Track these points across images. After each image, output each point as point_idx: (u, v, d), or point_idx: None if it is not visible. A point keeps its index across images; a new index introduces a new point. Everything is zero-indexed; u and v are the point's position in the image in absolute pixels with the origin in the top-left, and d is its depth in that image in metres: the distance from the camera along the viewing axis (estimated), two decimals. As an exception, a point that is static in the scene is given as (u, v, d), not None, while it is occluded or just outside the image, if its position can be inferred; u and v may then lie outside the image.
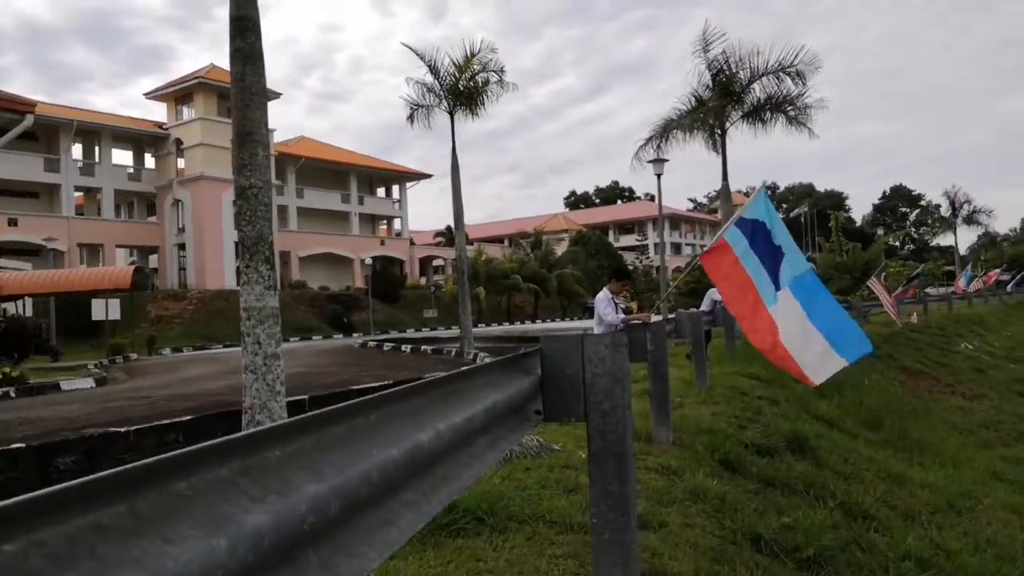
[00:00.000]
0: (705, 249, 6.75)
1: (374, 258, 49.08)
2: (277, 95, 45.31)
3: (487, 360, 11.81)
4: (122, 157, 44.45)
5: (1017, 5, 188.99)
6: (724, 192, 18.72)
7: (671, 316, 10.68)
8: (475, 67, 17.36)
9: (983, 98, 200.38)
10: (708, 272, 6.75)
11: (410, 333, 38.53)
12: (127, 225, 43.14)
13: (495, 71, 17.51)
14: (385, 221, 59.56)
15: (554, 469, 5.27)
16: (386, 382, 9.41)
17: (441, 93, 17.72)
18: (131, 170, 43.91)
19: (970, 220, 47.98)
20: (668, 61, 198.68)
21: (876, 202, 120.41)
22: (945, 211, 51.22)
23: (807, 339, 6.33)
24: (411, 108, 18.25)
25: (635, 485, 2.99)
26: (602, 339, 2.99)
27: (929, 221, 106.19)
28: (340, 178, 53.56)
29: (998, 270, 43.82)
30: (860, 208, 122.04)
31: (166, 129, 42.92)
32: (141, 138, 43.11)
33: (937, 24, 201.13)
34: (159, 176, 43.09)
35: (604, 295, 7.07)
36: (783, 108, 17.53)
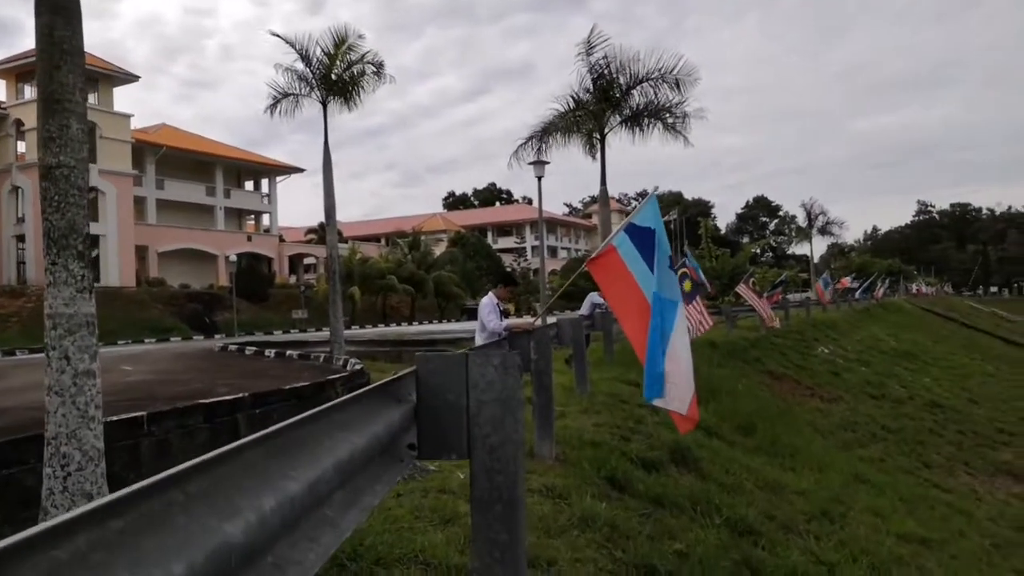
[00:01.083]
0: (592, 254, 6.39)
1: (239, 255, 46.61)
2: (135, 78, 42.18)
3: (356, 366, 11.08)
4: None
5: (866, 32, 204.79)
6: (602, 197, 18.75)
7: (552, 321, 10.36)
8: (351, 57, 16.49)
9: (837, 117, 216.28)
10: (595, 278, 6.41)
11: (277, 335, 36.75)
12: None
13: (372, 63, 16.74)
14: (253, 216, 56.84)
15: (429, 494, 4.73)
16: (242, 394, 8.52)
17: (313, 82, 16.72)
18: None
19: (824, 231, 51.32)
20: (547, 67, 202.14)
21: (739, 211, 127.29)
22: (802, 222, 54.46)
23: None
24: (275, 97, 17.13)
25: (525, 534, 2.50)
26: (490, 358, 2.47)
27: (787, 230, 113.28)
28: (205, 170, 50.58)
29: (848, 278, 47.00)
30: (724, 217, 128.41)
31: (4, 108, 39.00)
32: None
33: (798, 49, 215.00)
34: (-5, 160, 39.13)
35: (489, 300, 6.58)
36: (661, 115, 17.75)
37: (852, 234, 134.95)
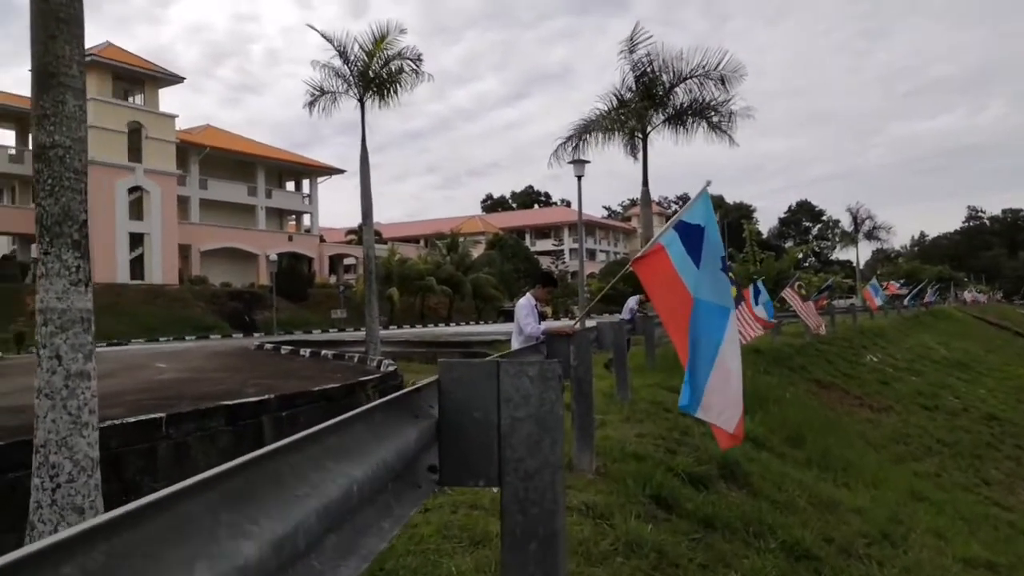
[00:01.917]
0: (638, 253, 5.97)
1: (280, 255, 46.95)
2: (180, 79, 42.72)
3: (389, 367, 10.76)
4: (4, 137, 41.10)
5: (910, 33, 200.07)
6: (644, 197, 18.24)
7: (591, 325, 9.94)
8: (387, 52, 16.24)
9: (880, 122, 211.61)
10: (641, 279, 5.98)
11: (316, 334, 36.84)
12: (6, 210, 39.70)
13: (410, 59, 16.46)
14: (294, 217, 57.26)
15: (459, 510, 4.36)
16: (268, 396, 8.21)
17: (350, 79, 16.52)
18: (12, 151, 40.50)
19: (871, 236, 49.81)
20: (586, 71, 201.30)
21: (782, 216, 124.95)
22: (847, 226, 53.07)
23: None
24: (312, 94, 16.95)
25: (567, 577, 2.11)
26: (526, 367, 2.08)
27: (830, 236, 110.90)
28: (247, 170, 51.08)
29: (896, 283, 45.56)
30: (766, 221, 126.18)
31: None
32: (25, 117, 39.77)
33: (840, 51, 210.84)
34: (45, 159, 39.86)
35: (527, 301, 6.18)
36: (706, 114, 17.19)
37: (899, 240, 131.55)
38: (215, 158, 47.84)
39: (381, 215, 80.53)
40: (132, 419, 6.37)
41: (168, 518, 0.92)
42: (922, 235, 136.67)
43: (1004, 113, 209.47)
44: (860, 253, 55.54)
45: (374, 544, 1.58)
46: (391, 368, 12.24)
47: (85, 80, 4.12)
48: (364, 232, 16.92)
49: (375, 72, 16.38)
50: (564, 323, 13.18)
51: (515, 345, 6.04)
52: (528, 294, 6.29)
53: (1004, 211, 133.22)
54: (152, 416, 6.55)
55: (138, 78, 40.67)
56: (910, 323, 39.97)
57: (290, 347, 17.63)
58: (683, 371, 10.21)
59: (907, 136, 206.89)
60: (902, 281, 52.65)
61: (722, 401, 5.09)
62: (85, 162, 3.97)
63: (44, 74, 3.77)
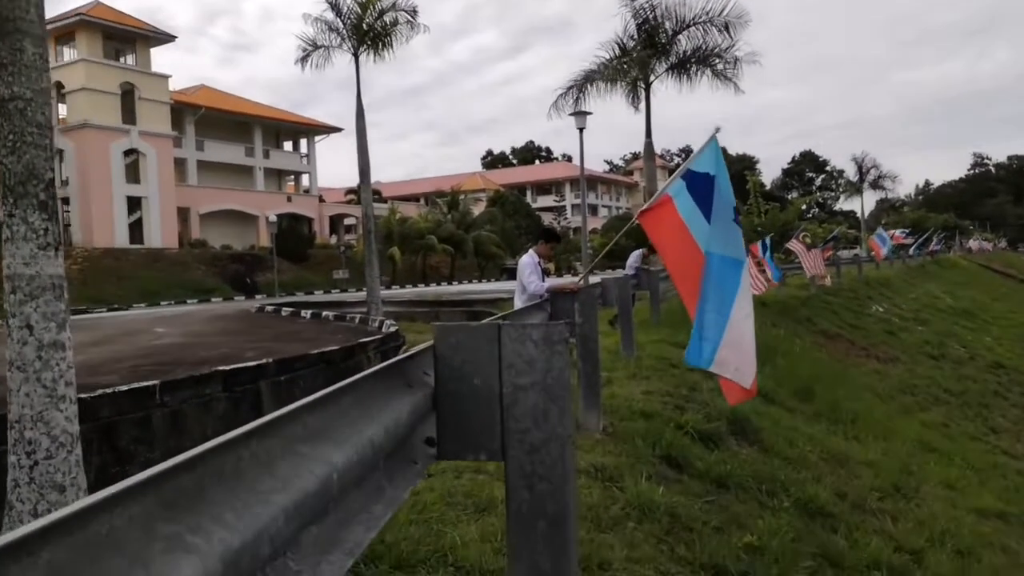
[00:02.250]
0: (645, 205, 5.73)
1: (280, 216, 46.57)
2: (171, 37, 41.88)
3: (391, 328, 10.56)
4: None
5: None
6: (647, 150, 17.88)
7: (595, 281, 9.73)
8: (381, 4, 15.72)
9: (884, 70, 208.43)
10: (648, 232, 5.75)
11: (318, 295, 36.73)
12: None
13: (405, 10, 15.93)
14: (293, 177, 56.69)
15: (463, 475, 4.21)
16: (265, 360, 8.02)
17: (344, 32, 16.04)
18: None
19: (876, 185, 49.30)
20: (585, 23, 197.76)
21: (785, 166, 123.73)
22: (852, 176, 52.45)
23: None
24: (305, 49, 16.46)
25: (576, 558, 1.94)
26: (529, 330, 1.87)
27: (834, 186, 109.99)
28: (244, 130, 50.40)
29: (901, 232, 45.21)
30: (769, 172, 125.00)
31: (45, 71, 39.09)
32: None
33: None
34: (38, 123, 39.31)
35: (530, 259, 5.96)
36: (710, 61, 16.73)
37: (903, 189, 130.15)
38: (211, 119, 47.15)
39: (381, 174, 79.82)
40: (125, 387, 6.21)
41: (82, 540, 0.72)
42: (927, 184, 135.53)
43: (1009, 60, 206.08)
44: (864, 203, 55.11)
45: (361, 535, 1.39)
46: (392, 329, 12.05)
47: (45, 26, 3.83)
48: (362, 190, 16.62)
49: (369, 25, 15.89)
50: (567, 280, 12.99)
51: (518, 304, 5.85)
52: (531, 251, 6.07)
53: (1010, 158, 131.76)
54: (146, 384, 6.36)
55: (129, 37, 39.86)
56: (915, 273, 39.73)
57: (291, 309, 17.46)
58: (690, 326, 10.03)
59: (910, 84, 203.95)
60: (907, 230, 52.24)
61: (737, 356, 4.91)
62: (49, 116, 3.72)
63: (-2, 20, 3.50)
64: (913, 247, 43.40)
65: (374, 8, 15.77)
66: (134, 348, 10.71)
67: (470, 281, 48.51)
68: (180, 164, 44.94)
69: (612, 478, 4.17)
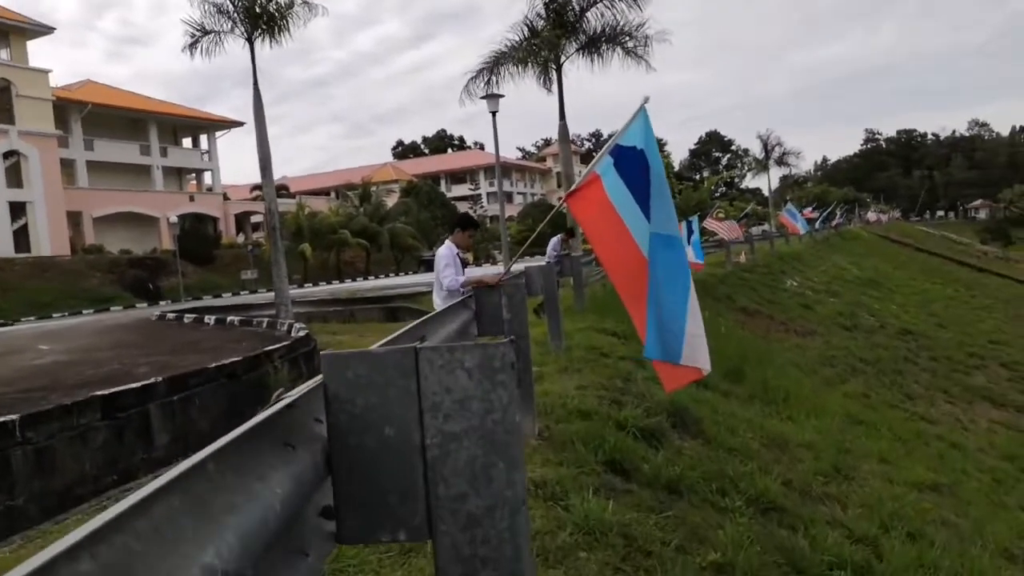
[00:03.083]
0: (573, 187, 5.24)
1: (182, 216, 44.31)
2: (49, 29, 39.04)
3: (301, 332, 9.76)
4: None
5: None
6: (562, 132, 17.48)
7: (517, 270, 9.23)
8: (275, -16, 14.70)
9: (779, 51, 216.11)
10: (575, 215, 5.29)
11: (227, 298, 35.07)
12: None
13: (298, -10, 14.89)
14: (194, 175, 54.11)
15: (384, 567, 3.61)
16: (154, 379, 7.07)
17: (235, 16, 14.91)
18: None
19: (781, 162, 50.71)
20: (491, 8, 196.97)
21: (692, 147, 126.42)
22: (758, 154, 53.79)
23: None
24: (193, 35, 15.21)
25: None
26: (460, 356, 1.31)
27: (739, 165, 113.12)
28: (138, 128, 47.66)
29: (809, 208, 46.69)
30: (676, 154, 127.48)
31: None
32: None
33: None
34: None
35: (447, 250, 5.36)
36: (620, 40, 16.44)
37: (804, 165, 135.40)
38: (100, 116, 44.32)
39: (287, 168, 77.45)
40: None
41: None
42: (824, 159, 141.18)
43: (895, 38, 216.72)
44: (764, 181, 56.63)
45: None
46: (302, 332, 11.15)
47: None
48: (264, 185, 15.60)
49: (262, 7, 14.84)
50: (488, 271, 12.45)
51: (437, 301, 5.27)
52: (447, 241, 5.48)
53: (899, 132, 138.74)
54: (2, 419, 5.41)
55: (2, 30, 36.91)
56: (822, 246, 41.06)
57: (194, 315, 16.26)
58: (616, 310, 9.57)
59: (803, 65, 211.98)
60: (813, 205, 54.01)
61: (699, 342, 4.52)
62: None
63: None
64: (818, 221, 44.83)
65: (267, -11, 14.75)
66: (9, 370, 9.51)
67: (387, 275, 47.43)
68: (68, 165, 42.11)
69: (555, 495, 3.68)
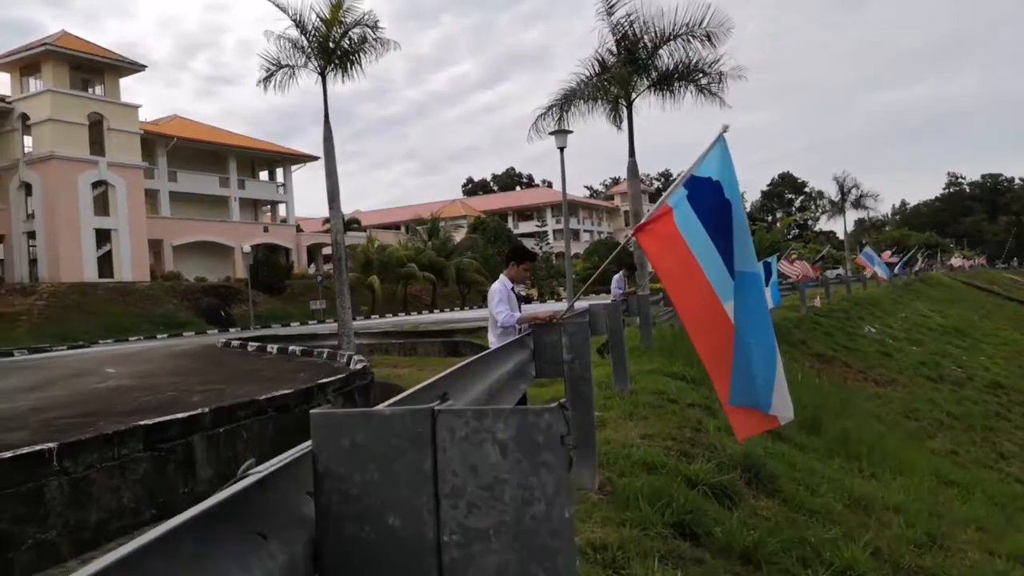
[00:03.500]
0: (642, 220, 4.90)
1: (256, 246, 45.55)
2: (140, 67, 40.96)
3: (359, 364, 9.53)
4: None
5: (881, 7, 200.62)
6: (631, 169, 17.13)
7: (582, 308, 8.87)
8: (346, 20, 14.91)
9: (857, 93, 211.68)
10: (645, 250, 4.93)
11: (295, 327, 35.61)
12: None
13: (368, 25, 15.08)
14: (269, 207, 55.69)
15: None
16: (200, 410, 6.88)
17: (309, 51, 15.18)
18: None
19: (858, 204, 49.00)
20: (563, 50, 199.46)
21: (764, 188, 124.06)
22: (833, 196, 52.15)
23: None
24: (268, 69, 15.52)
25: None
26: (490, 423, 0.95)
27: (812, 207, 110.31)
28: (218, 161, 49.47)
29: (888, 252, 44.90)
30: (749, 195, 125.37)
31: (9, 103, 38.00)
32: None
33: (816, 22, 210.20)
34: (2, 156, 38.16)
35: (500, 285, 5.03)
36: (693, 76, 16.08)
37: (881, 208, 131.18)
38: (184, 149, 46.19)
39: (361, 203, 79.12)
40: (8, 454, 5.11)
41: None
42: (903, 203, 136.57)
43: (977, 83, 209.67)
44: (839, 224, 54.84)
45: None
46: (360, 365, 10.96)
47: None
48: (331, 216, 15.72)
49: (335, 42, 15.09)
50: (548, 308, 12.10)
51: (492, 340, 4.95)
52: (502, 276, 5.14)
53: (983, 176, 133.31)
54: (34, 448, 5.23)
55: (97, 67, 38.91)
56: (902, 291, 39.32)
57: (257, 344, 16.39)
58: (685, 352, 9.00)
59: (881, 107, 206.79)
60: (893, 249, 51.98)
61: (785, 389, 4.13)
62: None
63: None
64: (898, 266, 43.07)
65: (340, 25, 14.98)
66: (69, 394, 9.63)
67: (451, 309, 47.61)
68: (152, 195, 43.88)
69: (616, 562, 3.28)
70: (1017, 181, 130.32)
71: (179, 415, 6.35)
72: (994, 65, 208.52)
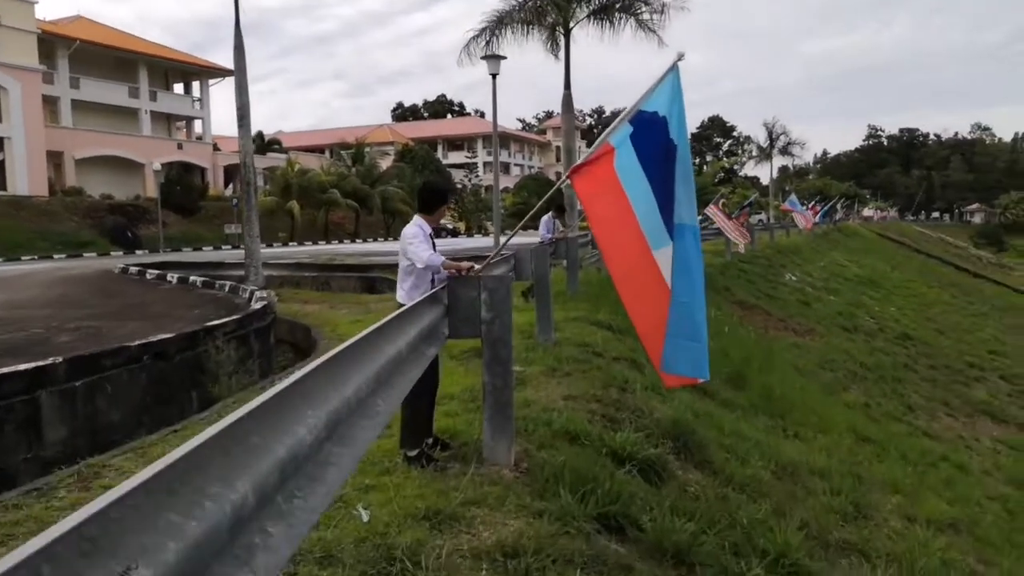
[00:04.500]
0: (581, 160, 4.26)
1: (169, 164, 42.92)
2: (37, -42, 37.27)
3: (261, 301, 8.70)
4: None
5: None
6: (566, 103, 16.37)
7: (507, 254, 8.26)
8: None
9: (789, 39, 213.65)
10: (578, 191, 4.33)
11: (207, 251, 33.93)
12: None
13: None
14: (184, 123, 52.48)
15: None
16: (52, 359, 5.80)
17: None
18: None
19: (785, 151, 49.63)
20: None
21: (694, 131, 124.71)
22: (762, 142, 52.64)
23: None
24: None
25: None
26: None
27: (740, 152, 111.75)
28: (128, 69, 45.91)
29: (816, 205, 45.78)
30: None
31: None
32: None
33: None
34: None
35: (417, 228, 4.29)
36: (634, 8, 15.29)
37: (805, 157, 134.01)
38: (89, 54, 42.60)
39: (284, 124, 75.68)
40: None
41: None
42: (824, 152, 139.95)
43: (909, 32, 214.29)
44: (764, 170, 55.54)
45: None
46: (261, 304, 9.97)
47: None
48: (240, 134, 14.45)
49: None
50: (477, 244, 11.37)
51: (403, 289, 4.24)
52: (416, 218, 4.39)
53: (901, 130, 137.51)
54: None
55: (-14, -45, 35.17)
56: (822, 240, 40.20)
57: (157, 271, 15.09)
58: (612, 299, 8.47)
59: (815, 54, 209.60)
60: (817, 198, 53.06)
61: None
62: None
63: None
64: (820, 214, 43.98)
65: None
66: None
67: (375, 239, 46.30)
68: (52, 103, 40.56)
69: (529, 573, 2.73)
70: (932, 137, 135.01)
71: (22, 366, 5.39)
72: (929, 15, 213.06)
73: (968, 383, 19.07)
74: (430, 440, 4.19)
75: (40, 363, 5.56)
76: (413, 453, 3.99)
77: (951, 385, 18.36)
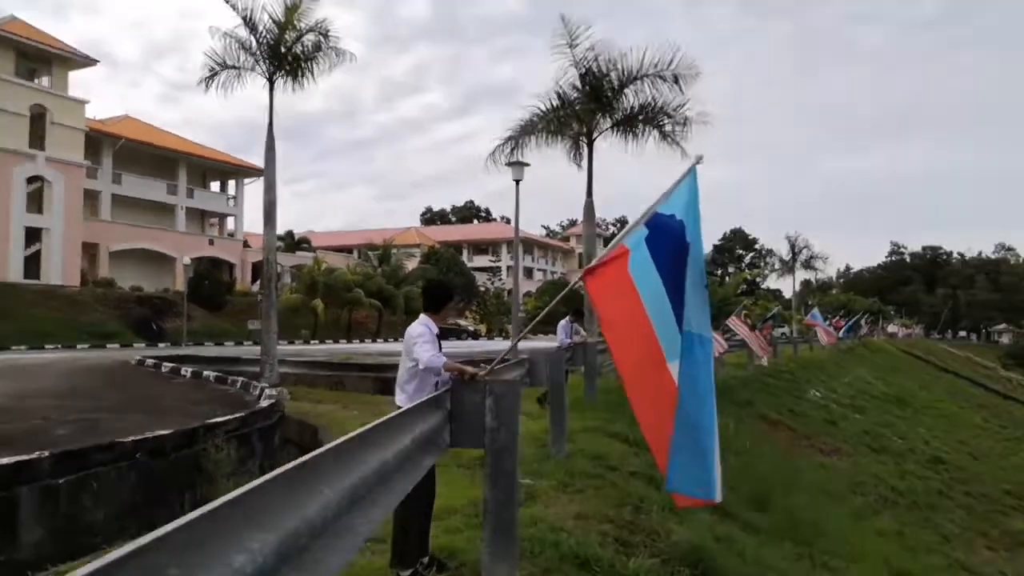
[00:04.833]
0: (595, 261, 4.12)
1: (199, 259, 43.77)
2: (92, 61, 39.38)
3: (269, 399, 8.43)
4: None
5: (841, 74, 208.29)
6: (588, 210, 16.52)
7: (522, 357, 8.05)
8: (301, 24, 14.03)
9: (812, 156, 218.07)
10: (591, 293, 4.16)
11: (228, 347, 33.98)
12: None
13: (320, 32, 14.10)
14: (217, 219, 53.92)
15: None
16: (37, 454, 5.54)
17: (258, 53, 14.22)
18: None
19: (807, 265, 49.57)
20: (535, 87, 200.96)
21: (716, 243, 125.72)
22: (782, 255, 52.70)
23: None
24: (211, 69, 14.44)
25: None
26: None
27: (762, 264, 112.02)
28: (168, 167, 47.72)
29: (838, 318, 45.30)
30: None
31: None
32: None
33: (777, 83, 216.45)
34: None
35: (424, 327, 4.11)
36: (658, 120, 15.61)
37: (827, 271, 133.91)
38: (132, 151, 44.42)
39: (317, 224, 77.54)
40: None
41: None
42: (847, 268, 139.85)
43: (926, 154, 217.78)
44: (787, 283, 55.37)
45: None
46: (267, 402, 9.74)
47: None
48: (265, 231, 14.64)
49: (287, 47, 14.18)
50: (483, 347, 11.18)
51: (403, 397, 4.01)
52: (423, 316, 4.21)
53: (924, 248, 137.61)
54: None
55: (45, 57, 37.25)
56: (846, 355, 39.49)
57: (171, 365, 15.02)
58: (628, 410, 8.14)
59: (837, 171, 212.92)
60: (841, 312, 52.56)
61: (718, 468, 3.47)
62: None
63: None
64: (844, 330, 43.45)
65: (294, 28, 14.08)
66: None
67: (396, 339, 46.26)
68: (94, 197, 42.01)
69: None
70: (955, 255, 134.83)
71: (3, 460, 5.15)
72: (945, 140, 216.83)
73: (1007, 512, 18.08)
74: (425, 559, 3.88)
75: (23, 457, 5.34)
76: (406, 574, 3.68)
77: (989, 514, 17.41)
